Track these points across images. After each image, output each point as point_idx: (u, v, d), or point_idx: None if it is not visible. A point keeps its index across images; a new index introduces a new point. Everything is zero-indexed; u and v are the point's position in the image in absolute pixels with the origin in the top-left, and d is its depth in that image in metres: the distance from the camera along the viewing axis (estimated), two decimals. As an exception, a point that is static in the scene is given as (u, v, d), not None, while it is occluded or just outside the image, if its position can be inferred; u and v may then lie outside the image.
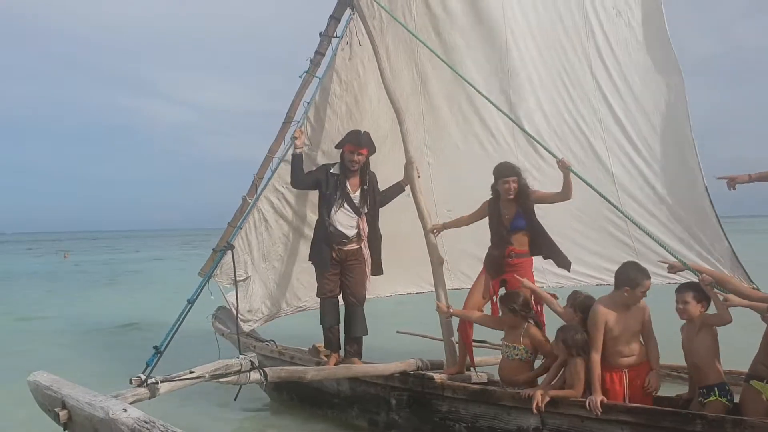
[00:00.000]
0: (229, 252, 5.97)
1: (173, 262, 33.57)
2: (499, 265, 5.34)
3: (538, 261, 6.96)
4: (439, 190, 6.92)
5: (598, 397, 4.19)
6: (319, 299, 6.07)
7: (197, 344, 7.26)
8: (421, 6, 6.58)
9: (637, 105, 6.49)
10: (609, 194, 5.16)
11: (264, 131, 6.82)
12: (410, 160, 5.99)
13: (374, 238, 5.99)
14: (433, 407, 5.12)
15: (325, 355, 6.00)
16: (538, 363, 4.99)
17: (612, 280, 4.59)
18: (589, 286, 6.56)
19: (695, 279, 4.45)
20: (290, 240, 6.84)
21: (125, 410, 3.50)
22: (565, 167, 5.00)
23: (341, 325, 6.04)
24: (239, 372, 4.55)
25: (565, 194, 5.14)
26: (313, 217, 6.61)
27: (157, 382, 4.12)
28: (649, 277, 4.45)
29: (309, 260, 6.15)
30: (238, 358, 4.63)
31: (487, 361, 5.88)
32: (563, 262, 5.36)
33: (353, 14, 6.43)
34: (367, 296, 6.13)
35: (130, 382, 4.10)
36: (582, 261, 6.73)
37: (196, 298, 5.05)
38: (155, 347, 4.51)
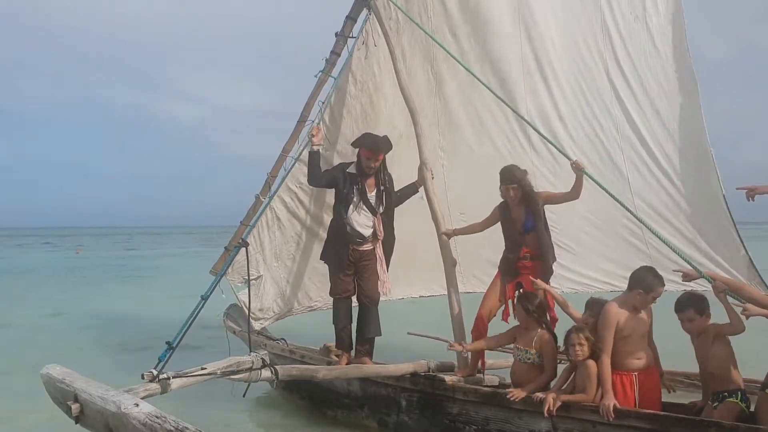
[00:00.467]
0: (243, 249, 5.98)
1: (188, 259, 33.68)
2: (514, 268, 5.33)
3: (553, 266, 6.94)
4: (453, 194, 6.90)
5: (611, 402, 4.14)
6: (331, 299, 6.07)
7: (209, 341, 7.29)
8: (437, 7, 6.57)
9: (653, 111, 6.45)
10: (624, 201, 5.13)
11: (279, 130, 6.83)
12: (424, 162, 5.98)
13: (389, 240, 5.97)
14: (444, 409, 5.09)
15: (336, 355, 6.00)
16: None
17: (626, 287, 4.57)
18: (603, 291, 6.53)
19: (709, 287, 4.41)
20: (303, 239, 6.84)
21: (137, 405, 3.49)
22: (578, 169, 4.98)
23: (353, 325, 6.03)
24: (251, 369, 4.54)
25: (574, 194, 5.13)
26: (326, 217, 6.61)
27: (168, 378, 4.12)
28: (663, 284, 4.43)
29: (321, 259, 6.15)
30: (249, 355, 4.63)
31: (499, 364, 5.85)
32: (549, 271, 5.32)
33: (369, 14, 6.43)
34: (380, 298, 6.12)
35: (142, 377, 4.10)
36: (597, 267, 6.72)
37: (210, 294, 5.05)
38: (167, 342, 4.52)
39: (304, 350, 6.25)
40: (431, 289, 7.52)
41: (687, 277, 4.60)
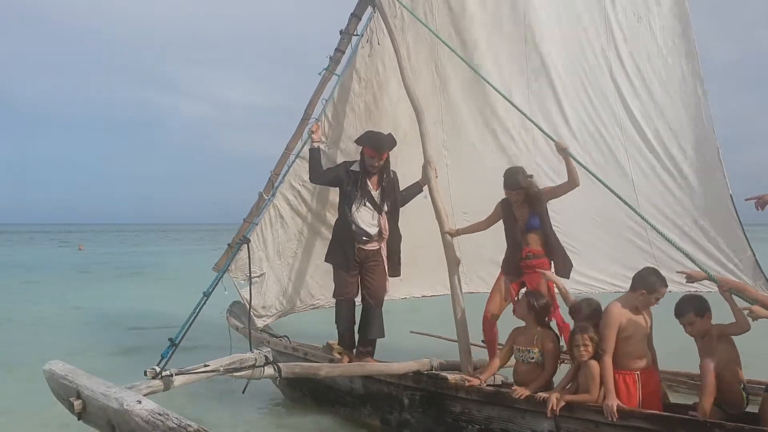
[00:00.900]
0: (245, 246, 5.97)
1: (192, 256, 33.75)
2: (517, 268, 5.31)
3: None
4: (456, 193, 6.88)
5: (614, 402, 4.13)
6: (332, 300, 6.03)
7: (211, 338, 7.29)
8: (442, 5, 6.56)
9: (657, 111, 6.41)
10: (628, 200, 5.09)
11: (284, 128, 6.83)
12: (428, 160, 5.96)
13: (394, 239, 5.96)
14: (446, 408, 5.08)
15: (339, 353, 5.99)
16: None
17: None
18: (607, 292, 6.52)
19: (714, 288, 4.40)
20: (305, 237, 6.84)
21: (139, 402, 3.49)
22: (562, 149, 4.97)
23: (355, 327, 6.01)
24: (253, 367, 4.54)
25: (572, 182, 5.08)
26: (329, 215, 6.60)
27: (171, 375, 4.11)
28: (666, 285, 4.43)
29: (326, 261, 6.10)
30: (252, 352, 4.63)
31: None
32: (563, 270, 5.31)
33: (374, 12, 6.43)
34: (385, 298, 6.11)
35: (145, 374, 4.10)
36: (600, 267, 6.69)
37: (212, 290, 5.05)
38: (170, 339, 4.51)
39: (307, 348, 6.25)
40: (434, 288, 7.50)
41: (691, 279, 4.58)
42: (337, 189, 6.01)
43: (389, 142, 5.81)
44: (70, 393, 3.87)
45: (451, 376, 5.11)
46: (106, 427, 3.63)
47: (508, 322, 5.28)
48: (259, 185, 6.79)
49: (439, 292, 7.38)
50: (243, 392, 4.83)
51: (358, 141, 5.91)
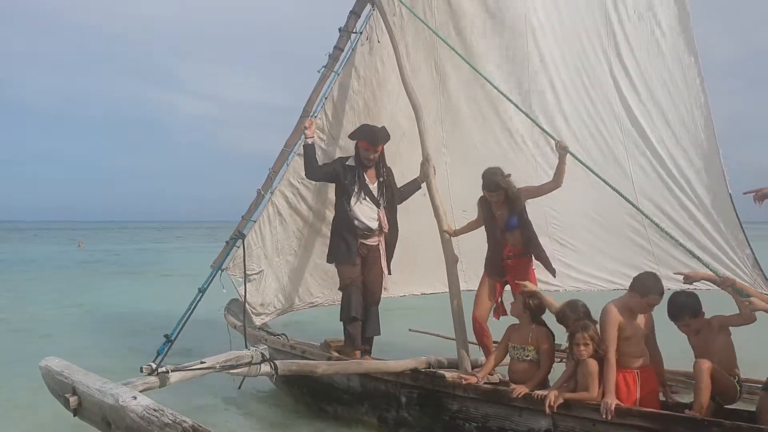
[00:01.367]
0: (241, 243, 5.97)
1: (191, 253, 33.76)
2: (500, 268, 5.37)
3: (554, 265, 6.90)
4: (455, 191, 6.87)
5: (613, 401, 4.12)
6: (332, 295, 6.01)
7: (208, 336, 7.29)
8: (442, 3, 6.54)
9: (657, 110, 6.39)
10: (628, 198, 5.08)
11: (286, 125, 6.80)
12: (427, 158, 5.95)
13: (393, 234, 5.95)
14: (444, 406, 5.07)
15: (337, 351, 5.96)
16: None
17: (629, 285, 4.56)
18: (606, 290, 6.52)
19: (713, 287, 4.40)
20: (304, 235, 6.83)
21: (135, 398, 3.49)
22: (562, 148, 4.98)
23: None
24: (250, 364, 4.54)
25: (556, 182, 5.12)
26: (328, 213, 6.59)
27: (167, 371, 4.11)
28: (659, 293, 4.38)
29: (329, 261, 6.06)
30: (249, 350, 4.63)
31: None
32: (550, 268, 5.37)
33: (373, 10, 6.41)
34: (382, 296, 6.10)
35: (141, 371, 4.10)
36: (600, 265, 6.69)
37: (207, 286, 5.06)
38: (166, 336, 4.52)
39: (305, 345, 6.23)
40: (433, 286, 7.49)
41: (689, 279, 4.56)
42: (334, 186, 6.00)
43: (383, 134, 5.82)
44: (65, 389, 3.87)
45: (449, 374, 5.10)
46: (102, 423, 3.63)
47: (504, 321, 5.29)
48: (261, 183, 6.78)
49: (438, 290, 7.37)
50: (239, 388, 4.84)
51: (352, 135, 5.92)
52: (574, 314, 4.65)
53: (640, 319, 4.42)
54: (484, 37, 6.58)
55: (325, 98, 6.46)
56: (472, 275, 7.05)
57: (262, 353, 4.62)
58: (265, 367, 4.62)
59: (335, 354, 5.93)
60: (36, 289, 17.73)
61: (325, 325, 7.14)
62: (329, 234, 6.24)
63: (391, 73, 6.48)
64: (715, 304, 4.42)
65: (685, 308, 4.28)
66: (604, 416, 4.09)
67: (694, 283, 4.80)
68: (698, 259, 4.62)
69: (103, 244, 47.27)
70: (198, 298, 4.81)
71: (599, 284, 6.72)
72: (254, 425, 6.12)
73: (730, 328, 4.30)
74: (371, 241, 5.84)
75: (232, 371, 4.48)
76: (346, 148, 6.42)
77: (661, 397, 4.59)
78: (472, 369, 5.24)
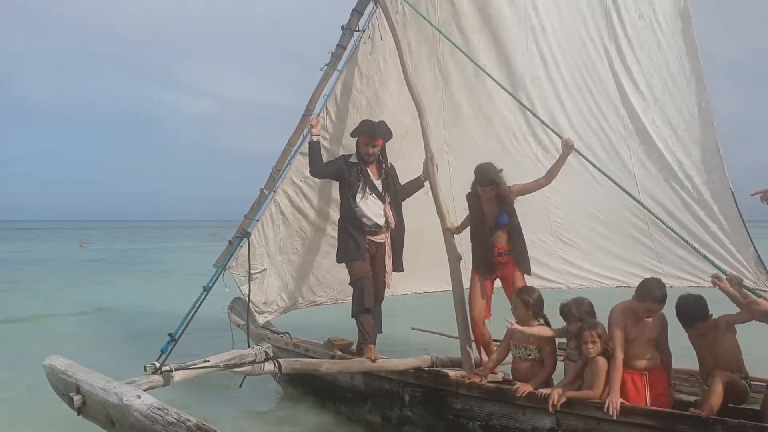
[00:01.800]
0: (246, 241, 5.96)
1: (194, 252, 33.80)
2: (490, 265, 5.36)
3: (557, 262, 6.89)
4: (458, 189, 6.84)
5: (617, 399, 4.11)
6: (335, 294, 5.98)
7: (212, 335, 7.29)
8: (444, 2, 6.53)
9: (658, 107, 6.39)
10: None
11: (287, 124, 6.78)
12: (430, 156, 5.95)
13: (399, 230, 5.94)
14: (447, 404, 5.07)
15: (340, 350, 5.95)
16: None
17: (632, 283, 4.55)
18: (608, 288, 6.52)
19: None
20: (307, 234, 6.81)
21: (139, 396, 3.49)
22: (568, 146, 5.00)
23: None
24: (254, 362, 4.55)
25: (548, 179, 5.16)
26: (332, 212, 6.57)
27: (171, 370, 4.12)
28: (656, 301, 4.32)
29: (339, 261, 6.00)
30: (252, 348, 4.63)
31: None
32: (525, 267, 5.38)
33: (376, 8, 6.40)
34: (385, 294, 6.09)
35: (145, 369, 4.10)
36: (602, 263, 6.69)
37: (212, 285, 5.05)
38: (170, 334, 4.51)
39: (309, 344, 6.23)
40: (436, 284, 7.49)
41: (719, 283, 4.33)
42: (338, 185, 5.99)
43: (382, 128, 5.81)
44: (69, 388, 3.88)
45: (452, 373, 5.11)
46: (106, 421, 3.63)
47: (504, 321, 5.29)
48: (263, 182, 6.77)
49: (441, 288, 7.36)
50: (240, 386, 4.84)
51: (353, 133, 5.92)
52: (579, 311, 4.63)
53: (647, 322, 4.39)
54: (486, 35, 6.57)
55: (328, 97, 6.46)
56: (475, 273, 7.06)
57: (265, 352, 4.63)
58: (269, 366, 4.62)
59: (338, 353, 5.93)
60: (39, 288, 17.77)
61: (328, 323, 7.13)
62: (334, 233, 6.23)
63: (394, 71, 6.46)
64: (715, 303, 4.40)
65: (696, 315, 4.27)
66: (609, 413, 4.07)
67: (697, 281, 4.79)
68: (704, 256, 4.61)
69: (104, 244, 47.34)
70: (203, 297, 4.81)
71: (602, 282, 6.72)
72: (258, 423, 6.14)
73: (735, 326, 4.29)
74: (378, 239, 5.83)
75: (235, 370, 4.48)
76: (349, 146, 6.41)
77: None
78: (476, 367, 5.24)
